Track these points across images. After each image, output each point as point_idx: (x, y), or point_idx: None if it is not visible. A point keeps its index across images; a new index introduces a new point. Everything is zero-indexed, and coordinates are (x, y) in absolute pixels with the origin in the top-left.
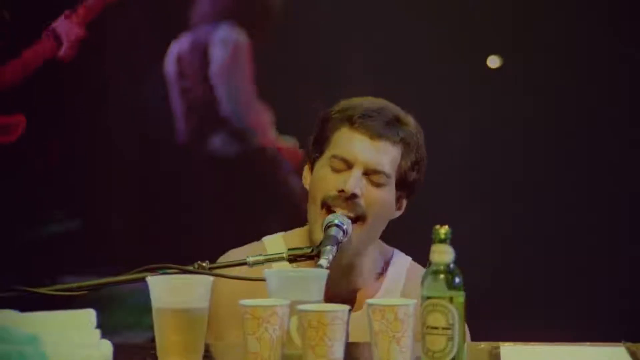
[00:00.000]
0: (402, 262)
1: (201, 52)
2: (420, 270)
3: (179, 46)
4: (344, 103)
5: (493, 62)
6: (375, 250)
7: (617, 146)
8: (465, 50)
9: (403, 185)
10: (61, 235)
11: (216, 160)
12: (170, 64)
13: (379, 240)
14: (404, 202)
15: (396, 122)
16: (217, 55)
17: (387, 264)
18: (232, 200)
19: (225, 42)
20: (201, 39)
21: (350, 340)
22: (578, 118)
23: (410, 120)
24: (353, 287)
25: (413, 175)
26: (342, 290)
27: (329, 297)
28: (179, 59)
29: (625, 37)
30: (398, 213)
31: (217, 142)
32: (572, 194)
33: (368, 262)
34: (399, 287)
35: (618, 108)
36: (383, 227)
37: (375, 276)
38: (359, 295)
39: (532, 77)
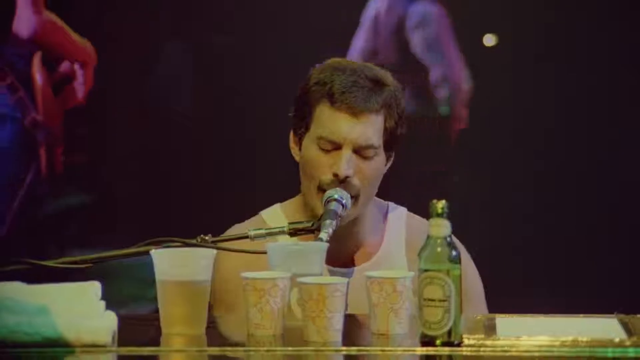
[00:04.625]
0: (399, 212)
1: (397, 17)
2: (417, 218)
3: (379, 3)
4: (319, 72)
5: (489, 40)
6: (373, 205)
7: (615, 120)
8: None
9: (391, 143)
10: (68, 209)
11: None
12: (366, 19)
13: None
14: (392, 155)
15: (375, 86)
16: (419, 29)
17: (385, 215)
18: (249, 178)
19: (425, 17)
20: (399, 6)
21: (356, 296)
22: (577, 94)
23: (387, 77)
24: (357, 240)
25: (399, 131)
26: (347, 245)
27: (335, 253)
28: (376, 17)
29: (624, 14)
30: (387, 167)
31: None
32: (571, 168)
33: (368, 216)
34: (401, 236)
35: (617, 83)
36: (377, 187)
37: (376, 227)
38: (364, 248)
39: (527, 55)
